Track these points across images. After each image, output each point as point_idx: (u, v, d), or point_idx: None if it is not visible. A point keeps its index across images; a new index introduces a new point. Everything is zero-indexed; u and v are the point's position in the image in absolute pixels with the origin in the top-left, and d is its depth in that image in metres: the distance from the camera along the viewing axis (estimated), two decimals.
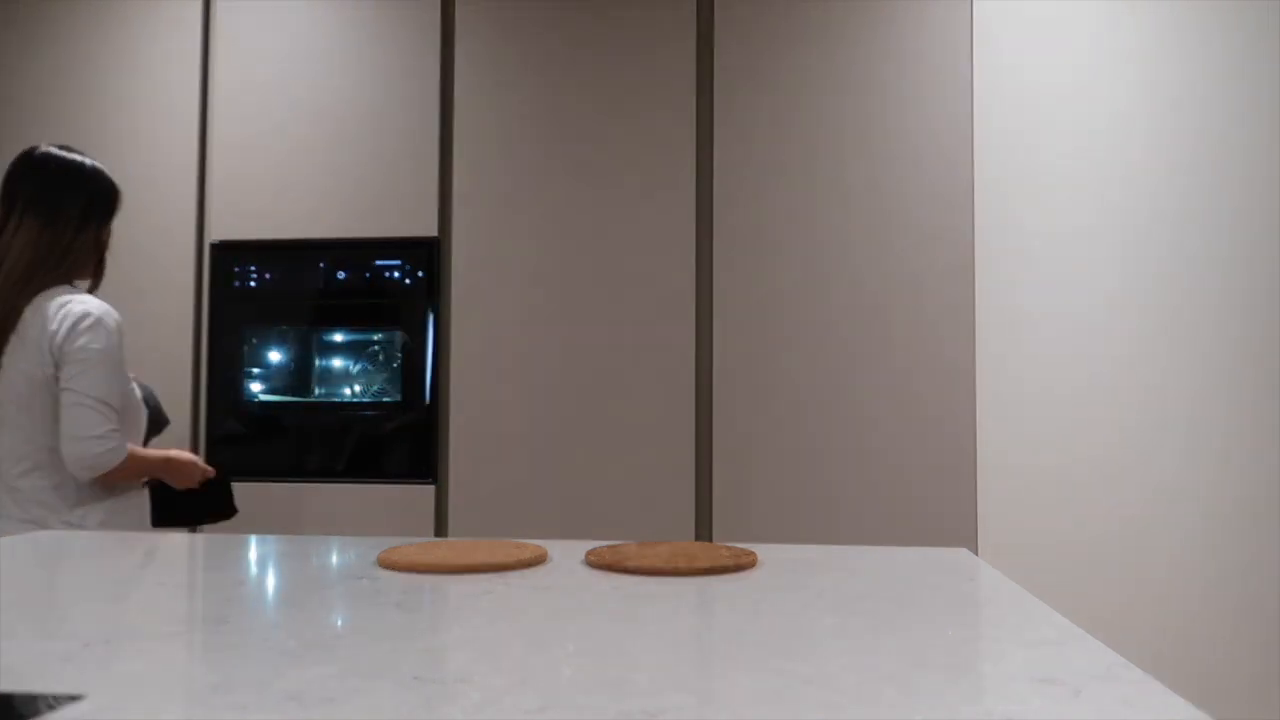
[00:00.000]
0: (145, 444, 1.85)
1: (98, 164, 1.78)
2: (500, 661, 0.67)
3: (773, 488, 2.44)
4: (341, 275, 2.60)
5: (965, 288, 2.41)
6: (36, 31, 2.76)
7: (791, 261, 2.47)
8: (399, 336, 2.58)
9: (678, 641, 0.74)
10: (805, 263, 2.47)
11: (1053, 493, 2.36)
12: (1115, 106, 2.40)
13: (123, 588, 0.95)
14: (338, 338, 2.60)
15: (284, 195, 2.64)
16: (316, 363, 2.61)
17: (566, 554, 1.14)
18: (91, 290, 1.77)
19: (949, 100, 2.44)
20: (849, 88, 2.48)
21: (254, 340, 2.62)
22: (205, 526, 2.14)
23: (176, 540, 1.28)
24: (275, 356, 2.61)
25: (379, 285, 2.59)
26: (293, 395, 2.60)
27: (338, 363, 2.60)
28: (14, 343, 1.65)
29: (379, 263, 2.59)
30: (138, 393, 1.80)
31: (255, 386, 2.61)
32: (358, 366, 2.59)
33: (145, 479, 1.83)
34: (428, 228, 2.58)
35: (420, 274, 2.57)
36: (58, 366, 1.64)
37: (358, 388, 2.59)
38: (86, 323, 1.64)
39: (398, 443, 2.57)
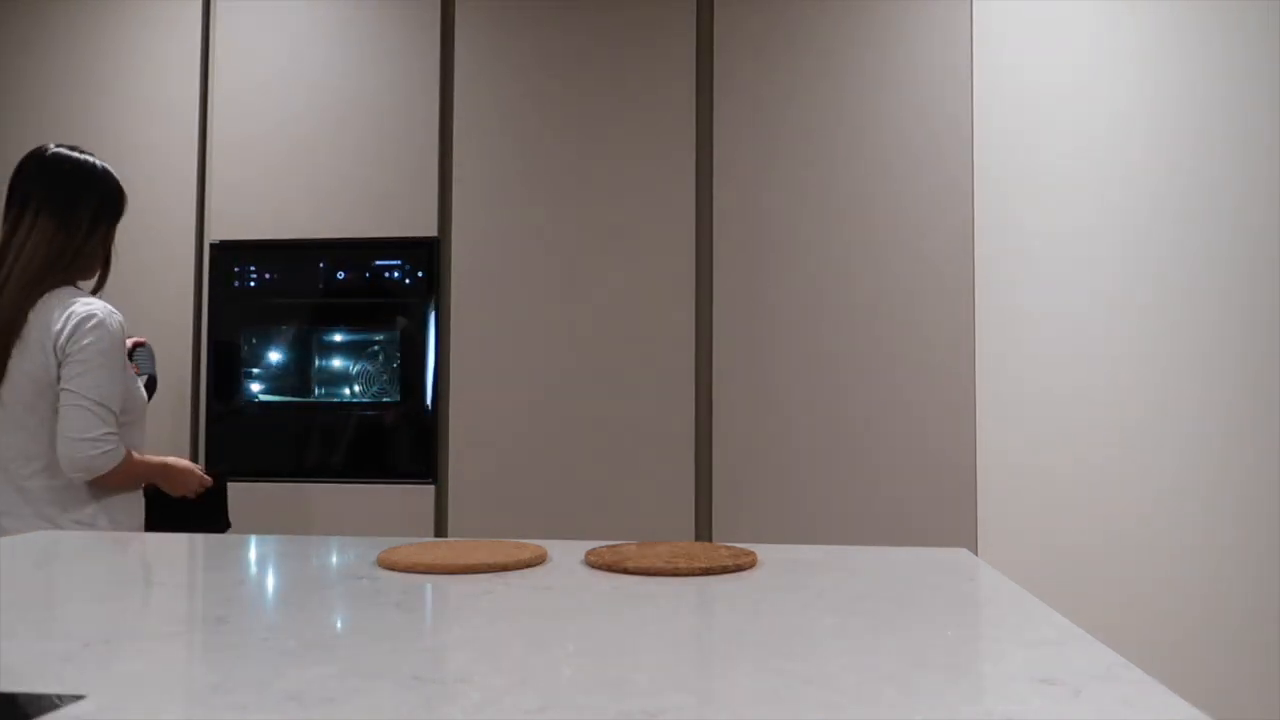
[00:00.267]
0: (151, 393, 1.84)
1: (106, 164, 1.78)
2: (500, 661, 0.67)
3: (772, 488, 2.44)
4: (341, 275, 2.60)
5: (965, 287, 2.41)
6: (36, 32, 2.76)
7: (791, 261, 2.47)
8: (399, 336, 2.58)
9: (678, 641, 0.74)
10: (805, 262, 2.47)
11: (1053, 493, 2.36)
12: (1115, 106, 2.40)
13: (123, 588, 0.95)
14: (338, 338, 2.60)
15: (284, 195, 2.64)
16: (316, 363, 2.61)
17: (566, 554, 1.14)
18: (96, 290, 1.78)
19: (949, 100, 2.44)
20: (849, 87, 2.48)
21: (254, 340, 2.62)
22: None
23: (176, 540, 1.28)
24: (275, 356, 2.61)
25: (379, 285, 2.59)
26: (293, 395, 2.60)
27: (338, 363, 2.60)
28: (19, 344, 1.65)
29: (379, 263, 2.59)
30: (143, 393, 1.80)
31: (255, 386, 2.61)
32: (358, 366, 2.59)
33: (143, 484, 1.82)
34: (428, 228, 2.58)
35: (420, 274, 2.57)
36: (60, 367, 1.64)
37: (358, 388, 2.59)
38: (90, 324, 1.64)
39: (398, 443, 2.57)
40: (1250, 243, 2.35)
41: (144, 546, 1.22)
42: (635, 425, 2.49)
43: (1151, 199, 2.38)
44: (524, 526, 2.50)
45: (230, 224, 2.65)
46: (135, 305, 2.60)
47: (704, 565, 1.01)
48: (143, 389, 1.80)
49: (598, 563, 1.05)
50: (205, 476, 1.89)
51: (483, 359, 2.55)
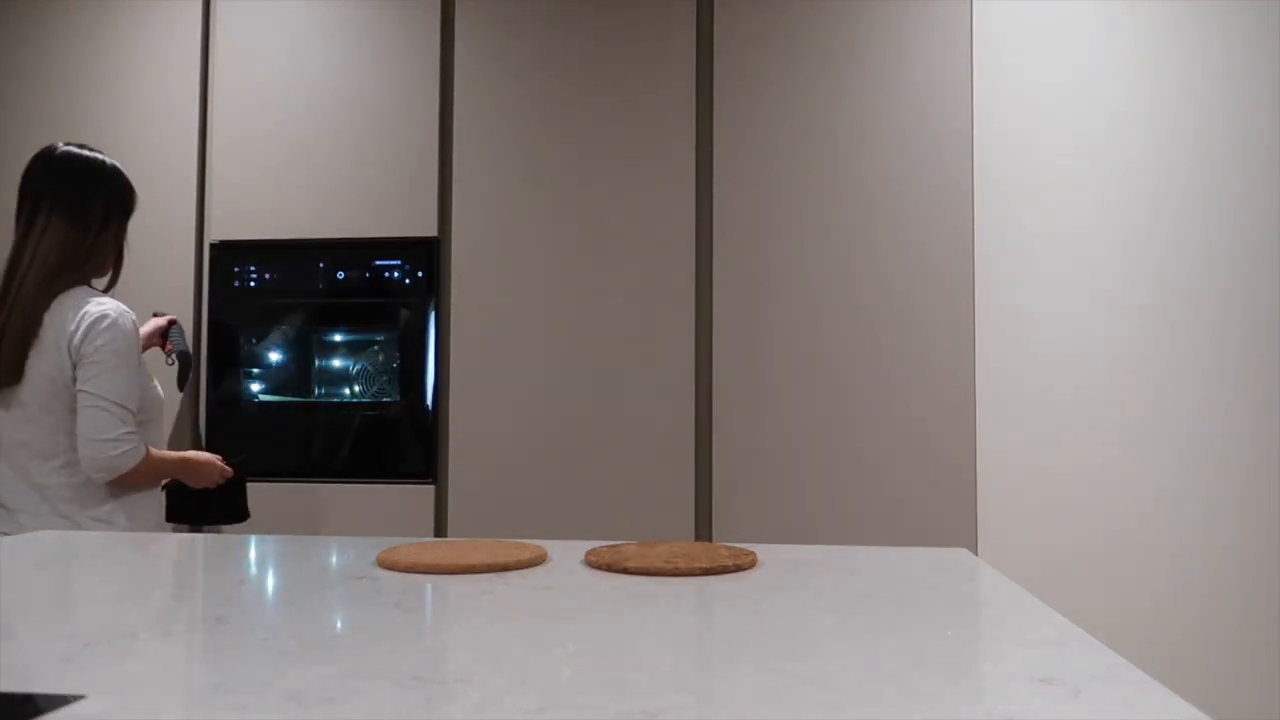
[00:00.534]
0: (184, 379, 1.84)
1: (116, 163, 1.79)
2: (500, 661, 0.67)
3: (772, 488, 2.44)
4: (341, 275, 2.60)
5: (965, 288, 2.41)
6: (36, 32, 2.76)
7: (791, 261, 2.47)
8: (399, 336, 2.58)
9: (678, 641, 0.74)
10: (805, 262, 2.47)
11: (1053, 493, 2.36)
12: (1115, 106, 2.40)
13: (123, 588, 0.95)
14: (338, 338, 2.60)
15: (284, 195, 2.64)
16: (316, 363, 2.61)
17: (566, 554, 1.14)
18: (109, 288, 1.79)
19: (949, 100, 2.44)
20: (849, 87, 2.48)
21: (254, 340, 2.62)
22: (215, 528, 2.15)
23: (176, 540, 1.28)
24: (275, 356, 2.61)
25: (379, 285, 2.59)
26: (293, 395, 2.60)
27: (338, 363, 2.60)
28: (35, 345, 1.66)
29: (379, 263, 2.59)
30: (159, 391, 1.80)
31: (255, 386, 2.61)
32: (358, 366, 2.59)
33: (165, 480, 1.84)
34: (428, 228, 2.58)
35: (420, 274, 2.57)
36: (75, 367, 1.64)
37: (358, 388, 2.59)
38: (103, 324, 1.65)
39: (398, 443, 2.57)
40: (1250, 243, 2.35)
41: (144, 546, 1.22)
42: (635, 425, 2.49)
43: (1151, 199, 2.38)
44: (524, 526, 2.50)
45: (230, 224, 2.65)
46: (136, 305, 2.58)
47: (704, 565, 1.02)
48: (159, 388, 1.81)
49: (598, 563, 1.05)
50: (226, 468, 1.91)
51: (483, 359, 2.55)
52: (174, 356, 2.22)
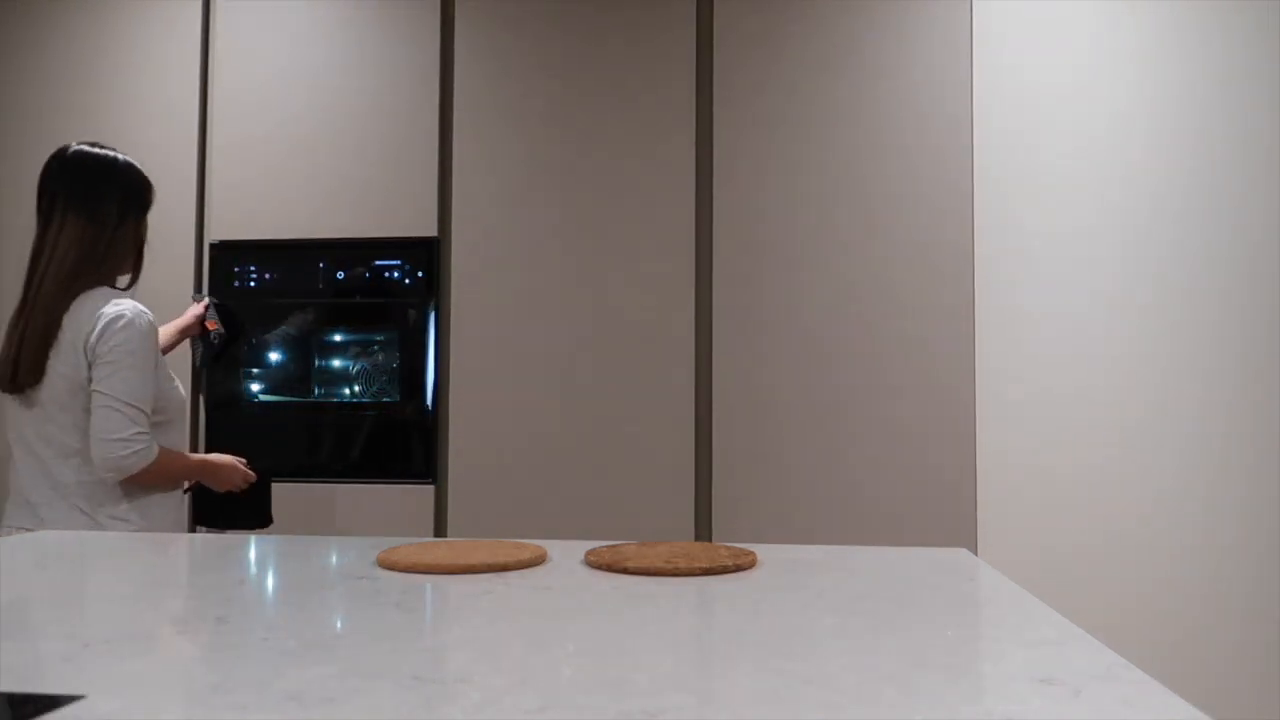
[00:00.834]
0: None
1: (129, 158, 1.80)
2: (500, 661, 0.67)
3: (772, 488, 2.44)
4: (341, 275, 2.60)
5: (965, 288, 2.41)
6: (36, 32, 2.76)
7: (791, 260, 2.47)
8: (399, 336, 2.58)
9: (678, 641, 0.74)
10: (805, 262, 2.47)
11: (1053, 493, 2.36)
12: (1115, 106, 2.40)
13: (123, 588, 0.95)
14: (338, 338, 2.60)
15: (284, 195, 2.64)
16: (316, 363, 2.61)
17: (566, 554, 1.14)
18: (130, 284, 1.80)
19: (949, 100, 2.44)
20: (848, 87, 2.48)
21: (254, 340, 2.62)
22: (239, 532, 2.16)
23: (176, 540, 1.28)
24: (275, 356, 2.61)
25: (379, 285, 2.59)
26: (293, 395, 2.60)
27: (338, 363, 2.60)
28: (54, 346, 1.67)
29: (379, 263, 2.59)
30: (180, 392, 1.81)
31: (255, 386, 2.61)
32: (358, 366, 2.59)
33: (186, 482, 1.84)
34: (428, 228, 2.58)
35: (420, 274, 2.57)
36: (90, 367, 1.65)
37: (358, 388, 2.59)
38: (119, 324, 1.66)
39: (398, 443, 2.57)
40: (1250, 243, 2.35)
41: (145, 547, 1.22)
42: (635, 425, 2.49)
43: (1151, 199, 2.38)
44: (524, 526, 2.50)
45: (230, 224, 2.65)
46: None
47: (704, 565, 1.01)
48: (180, 389, 1.81)
49: (598, 563, 1.05)
50: (249, 472, 1.91)
51: (483, 359, 2.55)
52: (217, 335, 2.23)
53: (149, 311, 1.73)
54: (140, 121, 2.69)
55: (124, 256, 1.78)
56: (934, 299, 2.42)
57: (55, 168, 1.74)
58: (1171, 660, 2.30)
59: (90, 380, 1.66)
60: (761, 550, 1.18)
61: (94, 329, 1.66)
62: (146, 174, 1.82)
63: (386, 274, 2.59)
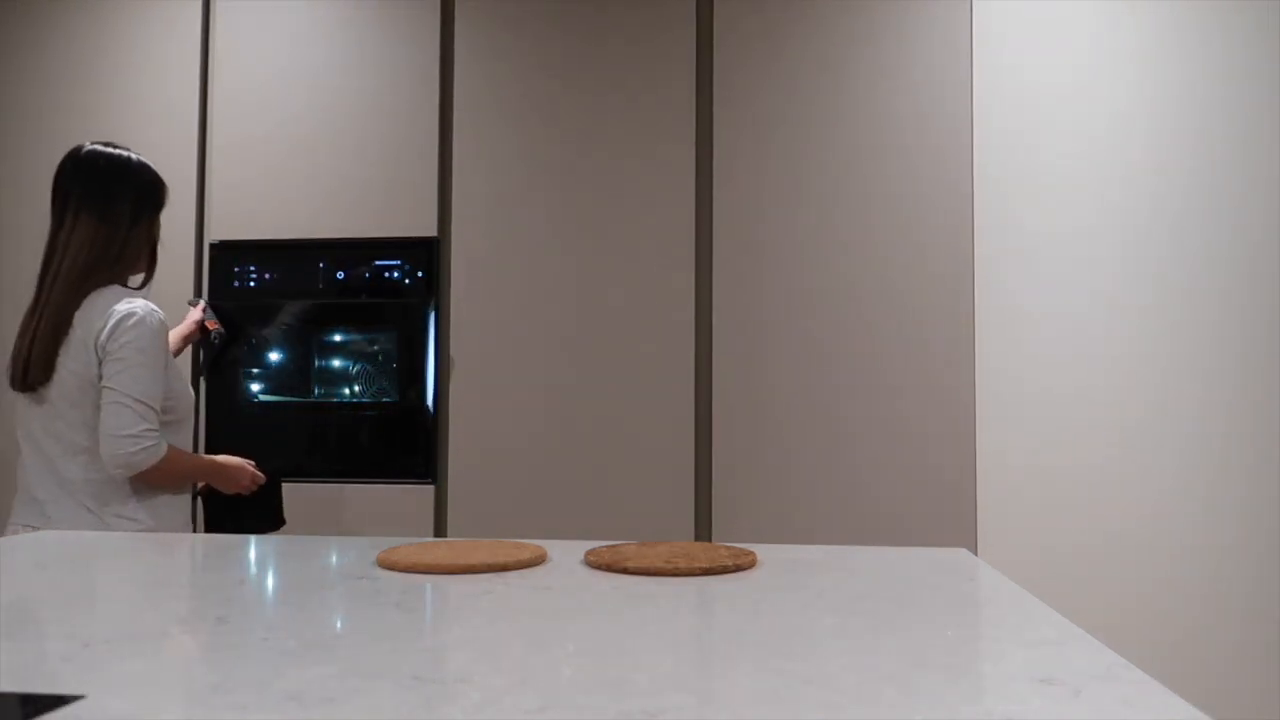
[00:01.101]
0: (210, 351, 1.87)
1: (142, 158, 1.81)
2: (500, 661, 0.67)
3: (772, 488, 2.44)
4: (341, 275, 2.60)
5: (965, 288, 2.41)
6: (36, 32, 2.76)
7: (791, 261, 2.47)
8: (399, 336, 2.57)
9: (678, 641, 0.74)
10: (804, 262, 2.47)
11: (1053, 493, 2.36)
12: (1115, 106, 2.40)
13: (122, 588, 0.95)
14: (338, 338, 2.60)
15: (284, 195, 2.64)
16: (316, 363, 2.61)
17: (566, 554, 1.14)
18: (144, 284, 1.81)
19: (949, 100, 2.44)
20: (849, 87, 2.48)
21: (254, 340, 2.62)
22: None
23: (176, 540, 1.28)
24: (275, 356, 2.61)
25: (379, 285, 2.59)
26: (292, 395, 2.60)
27: (338, 363, 2.60)
28: (65, 344, 1.67)
29: (379, 263, 2.59)
30: (191, 393, 1.81)
31: (255, 386, 2.61)
32: (357, 366, 2.59)
33: (195, 482, 1.85)
34: (428, 228, 2.58)
35: (420, 274, 2.57)
36: (100, 364, 1.66)
37: (357, 388, 2.59)
38: (129, 322, 1.67)
39: (397, 443, 2.57)
40: (1250, 243, 2.35)
41: (145, 547, 1.22)
42: (635, 425, 2.49)
43: (1151, 199, 2.38)
44: (524, 526, 2.50)
45: (230, 224, 2.65)
46: None
47: (704, 565, 1.02)
48: (190, 388, 1.82)
49: (598, 563, 1.05)
50: (258, 474, 1.92)
51: (482, 359, 2.55)
52: (217, 334, 2.25)
53: (160, 310, 1.73)
54: (140, 121, 2.69)
55: (136, 256, 1.79)
56: (934, 299, 2.42)
57: (69, 167, 1.75)
58: (1171, 660, 2.30)
59: (100, 377, 1.67)
60: (761, 550, 1.18)
61: (105, 326, 1.66)
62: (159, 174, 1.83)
63: (386, 274, 2.59)
